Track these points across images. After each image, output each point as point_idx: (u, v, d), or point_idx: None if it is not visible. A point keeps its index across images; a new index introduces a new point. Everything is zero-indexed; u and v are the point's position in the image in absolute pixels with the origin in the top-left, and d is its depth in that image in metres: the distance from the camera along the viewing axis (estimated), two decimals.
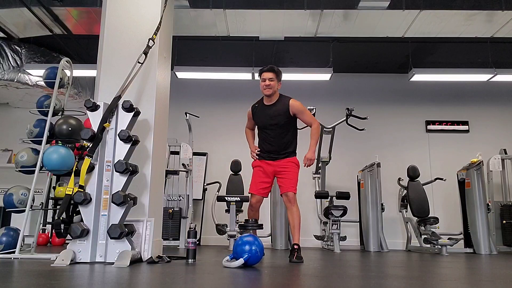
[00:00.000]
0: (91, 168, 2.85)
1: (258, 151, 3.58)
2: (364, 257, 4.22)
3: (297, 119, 3.55)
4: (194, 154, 6.08)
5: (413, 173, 5.82)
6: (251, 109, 3.68)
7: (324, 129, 5.69)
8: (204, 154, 6.79)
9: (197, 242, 4.58)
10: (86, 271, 2.29)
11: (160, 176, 3.54)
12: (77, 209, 2.87)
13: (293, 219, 3.41)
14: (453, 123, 6.96)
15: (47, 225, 5.29)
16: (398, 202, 6.05)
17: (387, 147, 6.81)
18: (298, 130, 3.64)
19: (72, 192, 2.80)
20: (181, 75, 6.16)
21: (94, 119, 2.96)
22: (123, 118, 2.99)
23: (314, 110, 5.49)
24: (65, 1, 4.80)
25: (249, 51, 6.15)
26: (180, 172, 5.71)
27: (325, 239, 5.52)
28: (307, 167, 3.48)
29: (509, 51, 6.16)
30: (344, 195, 5.35)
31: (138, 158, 3.10)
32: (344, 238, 5.32)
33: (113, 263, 2.64)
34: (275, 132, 3.50)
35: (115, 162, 2.87)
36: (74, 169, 2.92)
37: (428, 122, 6.99)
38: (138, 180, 3.05)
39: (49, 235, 5.22)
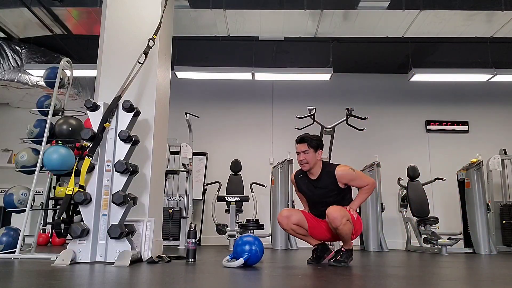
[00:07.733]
0: (91, 168, 2.85)
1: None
2: (364, 257, 4.22)
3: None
4: (194, 154, 6.08)
5: (413, 173, 5.82)
6: (294, 178, 3.23)
7: (324, 129, 5.69)
8: (204, 154, 6.79)
9: (197, 242, 4.58)
10: (86, 271, 2.29)
11: (160, 176, 3.54)
12: (77, 209, 2.87)
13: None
14: (453, 123, 6.97)
15: (47, 225, 5.31)
16: (398, 202, 6.05)
17: (387, 147, 6.81)
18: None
19: (72, 192, 2.80)
20: (181, 75, 6.16)
21: (94, 119, 2.96)
22: (123, 118, 2.99)
23: (314, 110, 5.50)
24: (65, 1, 4.80)
25: (249, 51, 6.15)
26: (180, 172, 5.72)
27: None
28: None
29: (509, 51, 6.16)
30: None
31: (138, 158, 3.10)
32: None
33: (113, 263, 2.64)
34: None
35: (115, 162, 2.87)
36: (74, 169, 2.92)
37: (428, 122, 7.00)
38: (138, 180, 3.05)
39: (49, 235, 5.23)
